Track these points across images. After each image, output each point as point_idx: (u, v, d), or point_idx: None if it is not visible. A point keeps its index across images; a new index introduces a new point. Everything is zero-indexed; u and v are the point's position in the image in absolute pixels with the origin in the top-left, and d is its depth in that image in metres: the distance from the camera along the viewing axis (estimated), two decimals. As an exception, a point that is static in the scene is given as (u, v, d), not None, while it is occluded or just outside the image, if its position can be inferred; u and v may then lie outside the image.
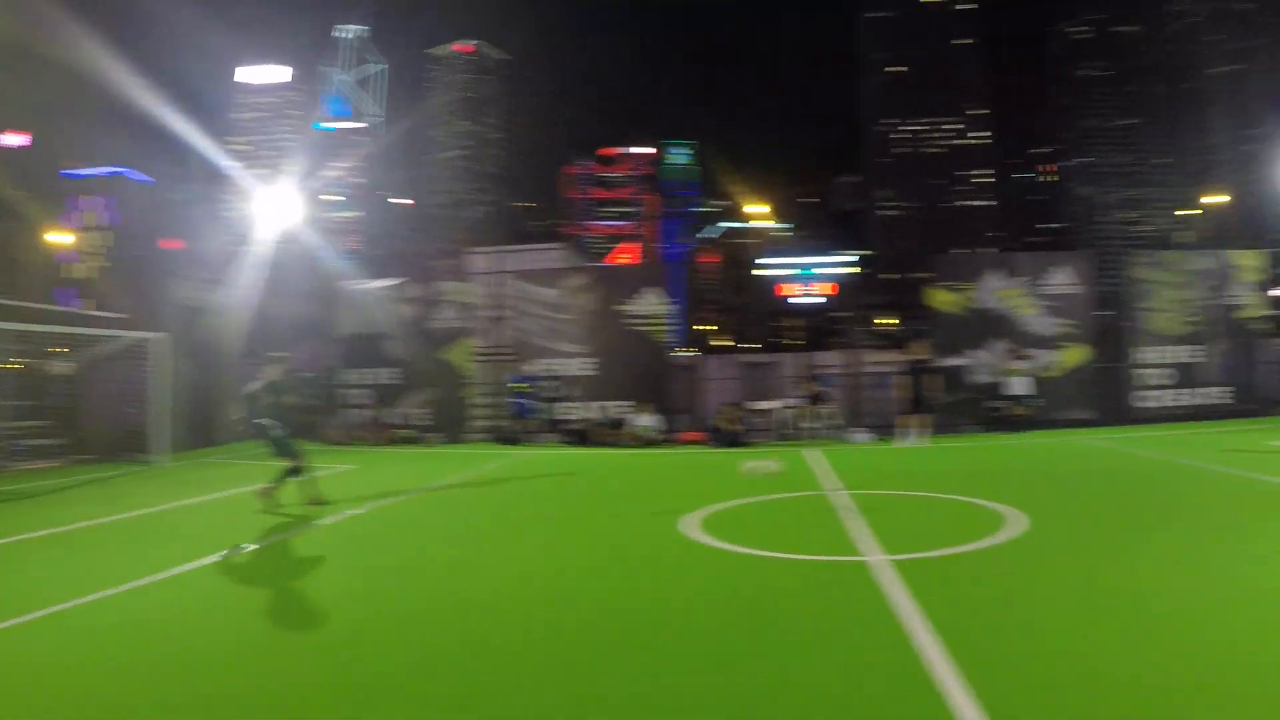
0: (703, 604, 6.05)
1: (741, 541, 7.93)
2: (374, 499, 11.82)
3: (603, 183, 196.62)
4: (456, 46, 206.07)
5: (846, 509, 9.54)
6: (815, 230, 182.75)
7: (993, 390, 20.64)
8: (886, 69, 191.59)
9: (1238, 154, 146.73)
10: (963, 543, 7.50)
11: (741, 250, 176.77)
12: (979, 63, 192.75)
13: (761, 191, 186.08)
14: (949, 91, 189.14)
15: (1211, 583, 6.08)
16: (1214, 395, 21.76)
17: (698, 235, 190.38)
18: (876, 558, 7.02)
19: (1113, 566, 6.63)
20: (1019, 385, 20.10)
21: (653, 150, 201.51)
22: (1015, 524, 8.27)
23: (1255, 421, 20.26)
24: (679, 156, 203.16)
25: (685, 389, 22.02)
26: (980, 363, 20.84)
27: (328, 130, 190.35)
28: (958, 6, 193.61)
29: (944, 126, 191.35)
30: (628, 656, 4.97)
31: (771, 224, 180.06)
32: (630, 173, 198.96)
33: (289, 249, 25.49)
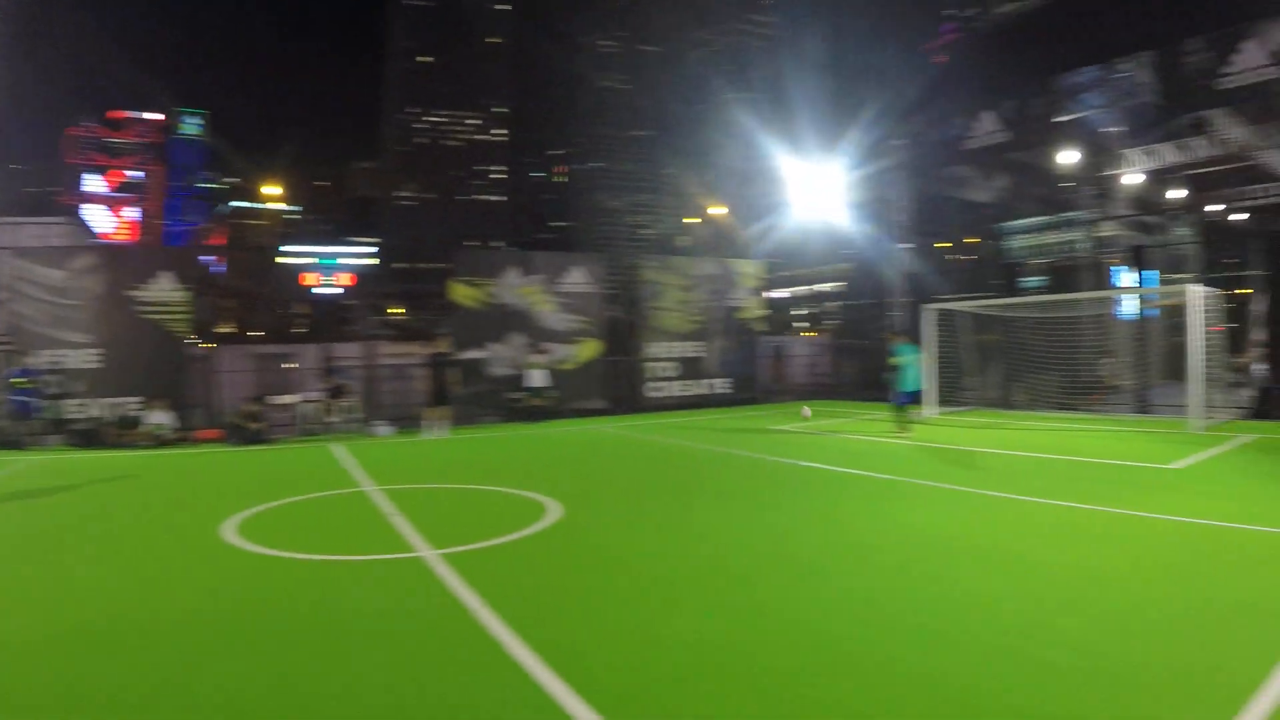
0: (264, 616, 5.48)
1: (290, 546, 7.37)
2: None
3: (107, 149, 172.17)
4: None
5: (387, 505, 9.29)
6: (329, 215, 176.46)
7: (512, 382, 21.00)
8: (417, 58, 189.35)
9: (736, 172, 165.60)
10: (508, 532, 7.70)
11: (252, 232, 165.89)
12: (506, 62, 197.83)
13: (274, 171, 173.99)
14: (474, 87, 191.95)
15: (741, 549, 7.00)
16: (716, 385, 24.29)
17: (209, 213, 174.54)
18: (430, 553, 6.97)
19: (648, 540, 7.50)
20: (538, 378, 20.67)
21: (163, 117, 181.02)
22: (551, 510, 8.65)
23: (754, 408, 23.51)
24: (190, 126, 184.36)
25: (199, 382, 19.62)
26: (500, 356, 20.89)
27: None
28: (495, 5, 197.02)
29: (466, 121, 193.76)
30: (198, 678, 4.42)
31: (284, 206, 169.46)
32: (138, 139, 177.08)
33: None
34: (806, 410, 19.44)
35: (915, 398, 16.13)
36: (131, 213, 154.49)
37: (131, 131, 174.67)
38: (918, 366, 15.97)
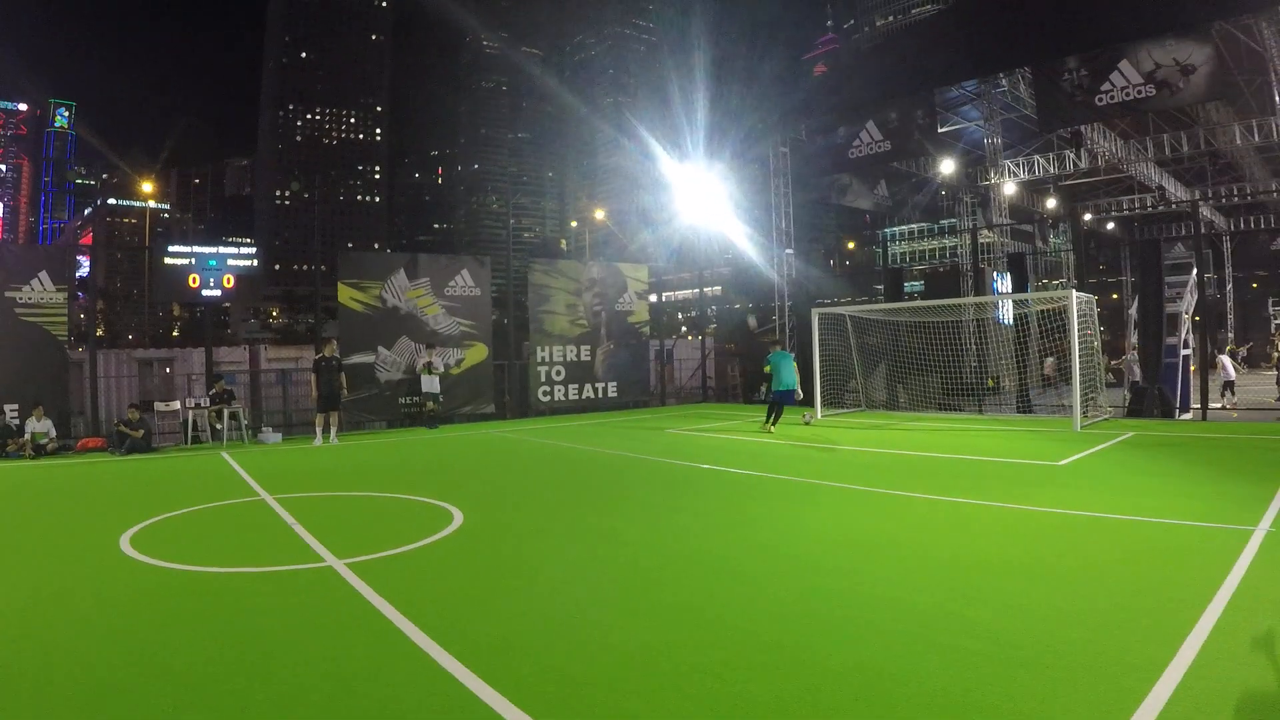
0: (180, 631, 5.16)
1: (195, 560, 6.98)
2: None
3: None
4: None
5: (287, 515, 8.94)
6: (203, 213, 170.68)
7: (402, 387, 20.58)
8: (301, 54, 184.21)
9: (619, 175, 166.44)
10: (416, 539, 7.55)
11: (124, 230, 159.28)
12: (387, 60, 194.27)
13: (147, 167, 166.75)
14: (354, 84, 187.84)
15: (651, 550, 7.11)
16: (605, 389, 24.30)
17: (83, 211, 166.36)
18: (339, 562, 6.75)
19: (556, 543, 7.46)
20: (427, 383, 20.14)
21: (26, 108, 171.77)
22: (456, 517, 8.50)
23: (643, 411, 23.69)
24: (58, 119, 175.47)
25: (78, 389, 18.61)
26: (388, 360, 20.18)
27: None
28: (378, 3, 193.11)
29: (347, 119, 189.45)
30: (118, 700, 4.14)
31: (155, 204, 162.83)
32: (4, 131, 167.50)
33: None
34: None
35: (788, 398, 16.38)
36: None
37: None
38: (790, 370, 16.27)
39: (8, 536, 8.50)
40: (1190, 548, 6.51)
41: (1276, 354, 21.96)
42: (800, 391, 16.82)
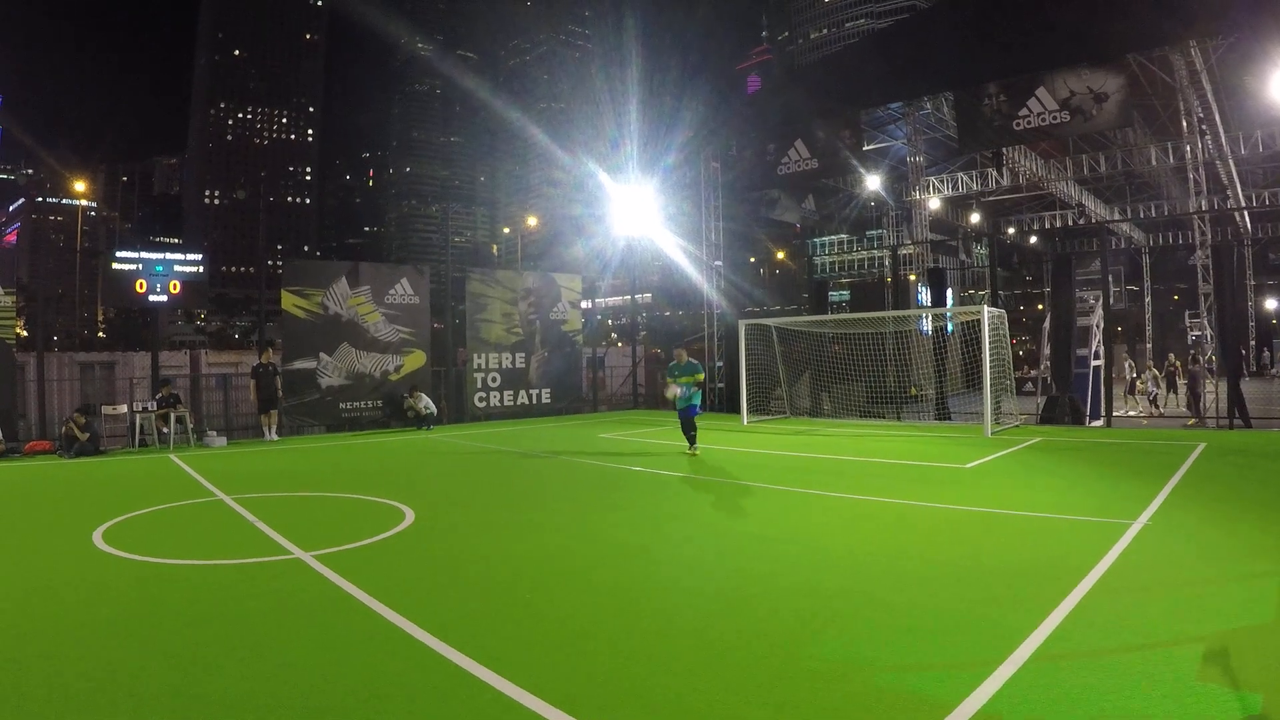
0: (168, 618, 5.46)
1: (167, 553, 7.31)
2: None
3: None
4: None
5: (247, 513, 9.27)
6: (130, 212, 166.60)
7: (343, 393, 20.87)
8: (234, 52, 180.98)
9: (551, 182, 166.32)
10: (373, 534, 7.95)
11: (51, 228, 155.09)
12: (319, 61, 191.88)
13: (75, 164, 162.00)
14: (286, 84, 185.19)
15: (584, 540, 7.83)
16: (539, 396, 24.76)
17: (6, 208, 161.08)
18: (305, 554, 7.12)
19: (505, 537, 7.96)
20: (424, 408, 20.87)
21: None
22: (408, 514, 8.92)
23: (575, 417, 24.20)
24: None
25: (23, 391, 18.45)
26: (329, 365, 20.46)
27: None
28: (313, 1, 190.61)
29: (278, 119, 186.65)
30: (120, 683, 4.36)
31: (84, 201, 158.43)
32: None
33: None
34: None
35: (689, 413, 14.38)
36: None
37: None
38: (689, 387, 14.31)
39: None
40: (1071, 538, 7.25)
41: (1177, 371, 23.15)
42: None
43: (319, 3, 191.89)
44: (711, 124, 28.99)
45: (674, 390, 14.33)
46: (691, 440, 14.27)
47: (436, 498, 10.46)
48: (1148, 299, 40.51)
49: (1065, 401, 19.17)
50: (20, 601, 5.97)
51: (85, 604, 5.86)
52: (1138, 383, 23.84)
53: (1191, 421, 19.88)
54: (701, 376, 14.55)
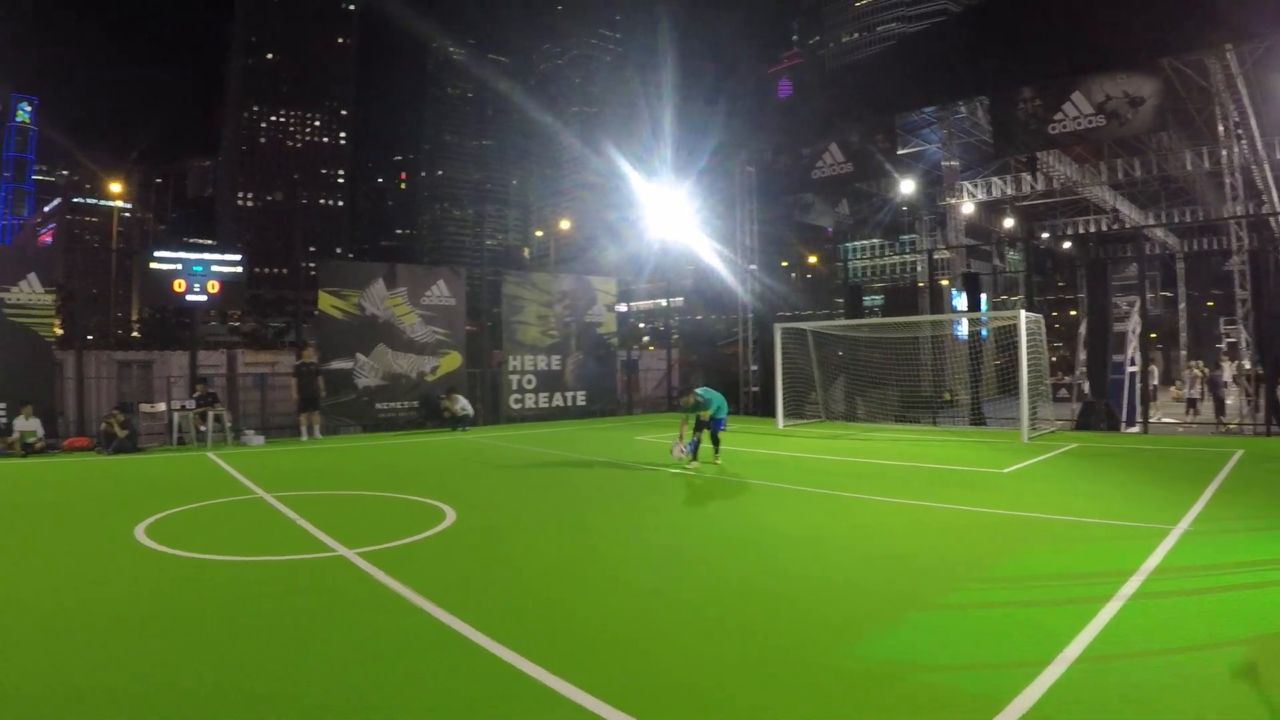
0: (214, 614, 5.55)
1: (211, 549, 7.44)
2: None
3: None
4: None
5: (288, 510, 9.40)
6: (164, 214, 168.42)
7: (379, 393, 21.15)
8: (267, 55, 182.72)
9: (584, 186, 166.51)
10: (414, 533, 8.05)
11: (87, 229, 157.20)
12: (350, 64, 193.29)
13: (111, 165, 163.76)
14: (318, 87, 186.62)
15: (623, 542, 7.95)
16: (573, 398, 24.92)
17: (42, 209, 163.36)
18: (348, 552, 7.23)
19: (545, 536, 8.13)
20: (461, 410, 21.08)
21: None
22: (448, 514, 9.01)
23: (610, 419, 24.34)
24: (19, 114, 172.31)
25: (62, 389, 18.91)
26: (366, 366, 20.82)
27: None
28: (345, 5, 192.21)
29: (310, 122, 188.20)
30: (170, 676, 4.46)
31: (119, 203, 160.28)
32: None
33: None
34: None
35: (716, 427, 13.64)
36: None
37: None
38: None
39: (24, 528, 8.82)
40: (1112, 542, 7.28)
41: (1200, 374, 22.80)
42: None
43: (351, 7, 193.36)
44: (745, 128, 29.07)
45: (679, 450, 13.04)
46: (705, 450, 13.43)
47: (476, 498, 10.55)
48: (1182, 305, 40.10)
49: (1102, 407, 19.10)
50: (64, 596, 6.07)
51: (128, 599, 5.95)
52: (1172, 389, 23.57)
53: (1228, 427, 19.72)
54: (706, 415, 13.18)
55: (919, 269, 36.47)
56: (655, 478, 12.15)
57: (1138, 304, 21.10)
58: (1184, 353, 37.23)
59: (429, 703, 4.04)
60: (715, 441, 13.43)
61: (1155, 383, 24.81)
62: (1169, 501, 9.02)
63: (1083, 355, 20.91)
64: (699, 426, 13.04)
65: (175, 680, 4.35)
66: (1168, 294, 43.53)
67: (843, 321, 22.63)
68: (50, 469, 14.33)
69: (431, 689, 4.21)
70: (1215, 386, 20.92)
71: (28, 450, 16.15)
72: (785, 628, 5.12)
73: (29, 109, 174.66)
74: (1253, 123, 22.76)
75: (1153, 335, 40.52)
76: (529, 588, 6.20)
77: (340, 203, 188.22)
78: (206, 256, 20.32)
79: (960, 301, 26.60)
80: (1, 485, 12.32)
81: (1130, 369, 20.38)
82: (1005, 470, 12.14)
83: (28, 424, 16.55)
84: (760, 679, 4.27)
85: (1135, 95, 18.92)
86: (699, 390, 13.31)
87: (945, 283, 30.45)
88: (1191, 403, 22.50)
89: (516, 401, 23.58)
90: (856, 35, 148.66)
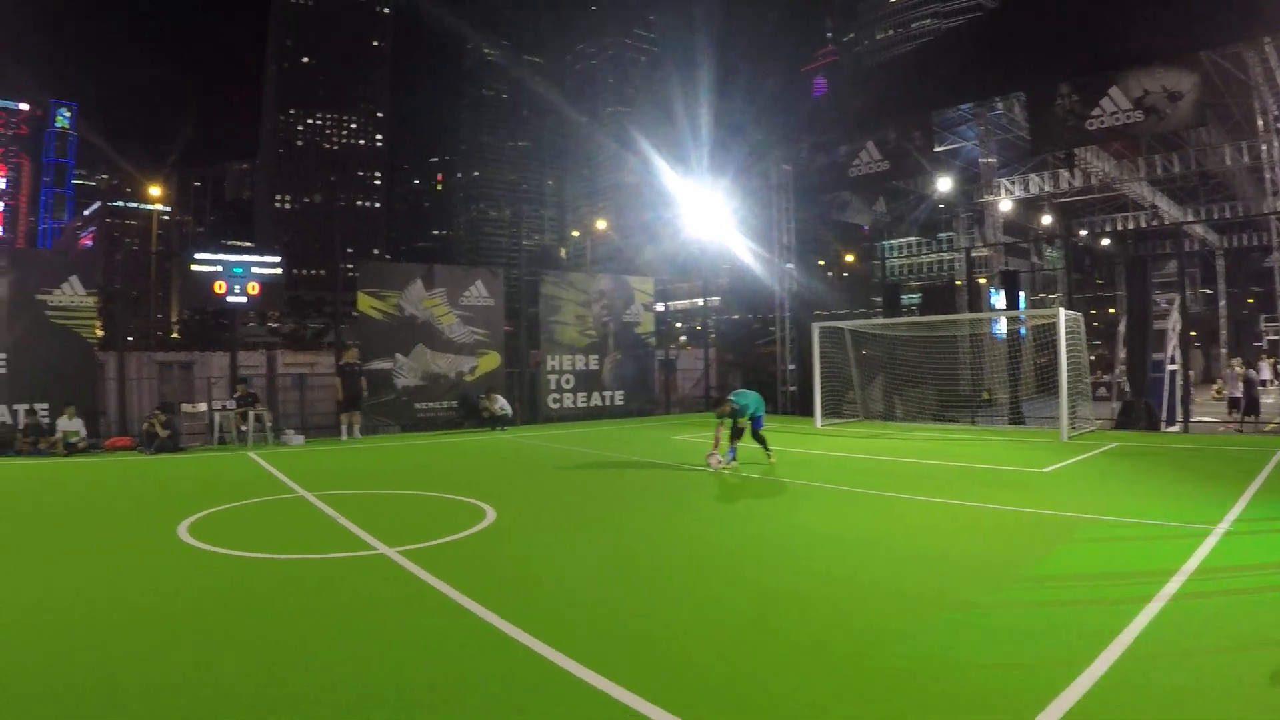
0: (257, 611, 5.69)
1: (253, 547, 7.60)
2: None
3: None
4: None
5: (329, 509, 9.54)
6: (203, 216, 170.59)
7: (418, 393, 21.36)
8: (303, 59, 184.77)
9: (620, 186, 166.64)
10: (455, 532, 8.16)
11: (126, 232, 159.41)
12: (388, 66, 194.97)
13: (149, 169, 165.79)
14: (354, 90, 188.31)
15: (661, 542, 7.93)
16: (611, 397, 25.08)
17: (82, 213, 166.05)
18: (390, 550, 7.32)
19: (586, 536, 8.20)
20: (500, 409, 21.27)
21: (27, 107, 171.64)
22: (489, 513, 9.11)
23: (648, 419, 24.41)
24: (59, 119, 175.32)
25: (102, 389, 19.24)
26: (405, 366, 21.05)
27: None
28: (378, 9, 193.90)
29: (347, 124, 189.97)
30: (213, 673, 4.53)
31: (158, 207, 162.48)
32: (3, 130, 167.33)
33: None
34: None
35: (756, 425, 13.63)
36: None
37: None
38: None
39: (68, 527, 8.99)
40: (1154, 542, 7.29)
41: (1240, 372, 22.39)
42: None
43: (385, 10, 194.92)
44: (781, 126, 29.09)
45: (716, 460, 12.76)
46: (755, 451, 13.42)
47: (516, 497, 10.63)
48: (1222, 302, 39.54)
49: (1141, 406, 18.95)
50: (108, 593, 6.19)
51: (172, 596, 6.05)
52: (1212, 389, 23.25)
53: (1269, 426, 19.48)
54: (744, 420, 13.07)
55: (956, 267, 36.26)
56: (693, 477, 12.20)
57: (1178, 301, 20.87)
58: (1224, 350, 36.70)
59: (471, 700, 4.11)
60: (760, 440, 13.28)
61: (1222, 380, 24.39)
62: (1210, 501, 8.98)
63: (1122, 353, 20.73)
64: (736, 434, 12.91)
65: (218, 678, 4.43)
66: (1207, 291, 42.95)
67: (881, 320, 22.63)
68: (93, 468, 14.62)
69: (473, 685, 4.28)
70: (1251, 385, 20.61)
71: (70, 450, 16.50)
72: (825, 626, 5.18)
73: (68, 114, 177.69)
74: (1292, 117, 22.47)
75: (1192, 333, 40.00)
76: (570, 587, 6.28)
77: (377, 204, 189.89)
78: (246, 258, 20.65)
79: (999, 300, 26.42)
80: (45, 485, 12.60)
81: (1170, 367, 20.19)
82: (1045, 470, 12.11)
83: (70, 424, 16.92)
84: (800, 677, 4.33)
85: (1174, 90, 18.73)
86: (733, 396, 13.20)
87: (983, 281, 30.25)
88: (1234, 401, 22.17)
89: (555, 401, 23.76)
90: (891, 32, 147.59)
